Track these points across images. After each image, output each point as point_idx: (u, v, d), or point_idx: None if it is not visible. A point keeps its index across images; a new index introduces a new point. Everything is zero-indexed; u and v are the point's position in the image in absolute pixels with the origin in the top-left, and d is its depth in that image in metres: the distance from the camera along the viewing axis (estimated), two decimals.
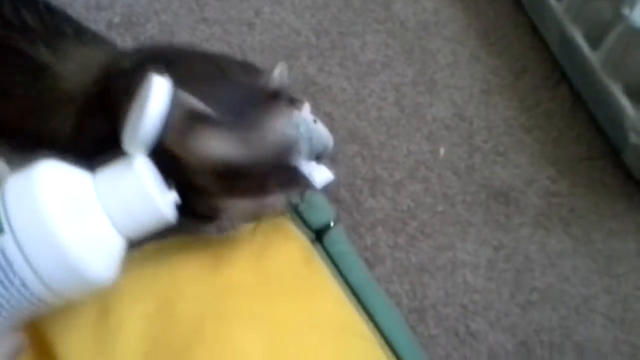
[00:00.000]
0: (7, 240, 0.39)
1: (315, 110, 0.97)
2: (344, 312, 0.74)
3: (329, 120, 0.97)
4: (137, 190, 0.44)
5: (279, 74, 0.71)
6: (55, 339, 0.64)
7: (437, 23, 1.13)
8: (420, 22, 1.12)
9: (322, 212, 0.86)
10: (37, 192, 0.40)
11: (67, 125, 0.72)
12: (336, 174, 0.89)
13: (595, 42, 0.96)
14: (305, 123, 0.88)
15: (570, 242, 0.92)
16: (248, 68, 0.77)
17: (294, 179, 0.70)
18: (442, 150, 0.98)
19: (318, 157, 0.91)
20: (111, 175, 0.45)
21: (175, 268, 0.75)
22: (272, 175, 0.66)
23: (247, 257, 0.77)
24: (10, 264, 0.38)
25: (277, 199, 0.70)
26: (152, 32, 1.07)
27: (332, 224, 0.81)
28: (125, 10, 1.09)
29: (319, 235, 0.80)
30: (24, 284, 0.39)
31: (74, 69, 0.72)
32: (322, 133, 0.90)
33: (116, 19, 1.05)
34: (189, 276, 0.74)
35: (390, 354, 0.72)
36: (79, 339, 0.65)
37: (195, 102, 0.55)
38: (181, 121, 0.54)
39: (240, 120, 0.61)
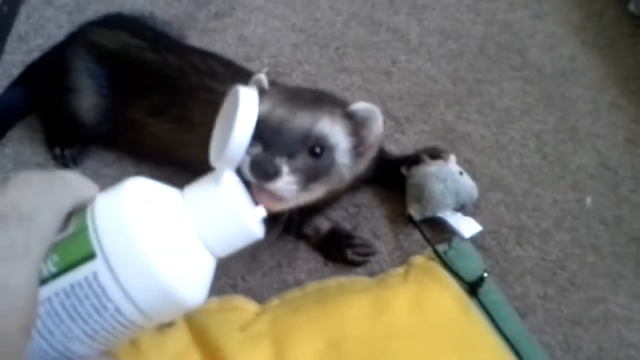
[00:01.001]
0: (100, 265, 0.37)
1: (456, 157, 1.00)
2: None
3: (470, 167, 0.99)
4: (226, 208, 0.42)
5: (257, 79, 0.76)
6: None
7: (574, 70, 1.13)
8: (558, 69, 1.13)
9: (471, 260, 0.88)
10: (127, 213, 0.38)
11: None
12: (480, 222, 0.92)
13: None
14: (452, 176, 0.91)
15: None
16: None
17: None
18: (588, 200, 0.97)
19: (462, 207, 0.93)
20: (200, 192, 0.43)
21: (339, 309, 0.79)
22: None
23: (405, 303, 0.80)
24: (104, 290, 0.37)
25: None
26: (297, 82, 1.14)
27: (485, 275, 0.83)
28: (272, 60, 1.18)
29: (472, 287, 0.82)
30: (117, 310, 0.38)
31: None
32: (468, 185, 0.92)
33: (264, 69, 1.14)
34: (353, 318, 0.78)
35: None
36: None
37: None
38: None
39: None
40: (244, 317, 0.82)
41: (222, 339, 0.75)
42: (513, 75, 1.13)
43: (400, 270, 0.88)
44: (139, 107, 0.94)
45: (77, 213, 0.40)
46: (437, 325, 0.78)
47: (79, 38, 1.02)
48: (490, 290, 0.84)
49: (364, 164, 0.79)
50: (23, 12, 1.30)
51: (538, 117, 1.07)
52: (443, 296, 0.81)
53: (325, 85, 1.14)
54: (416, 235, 0.93)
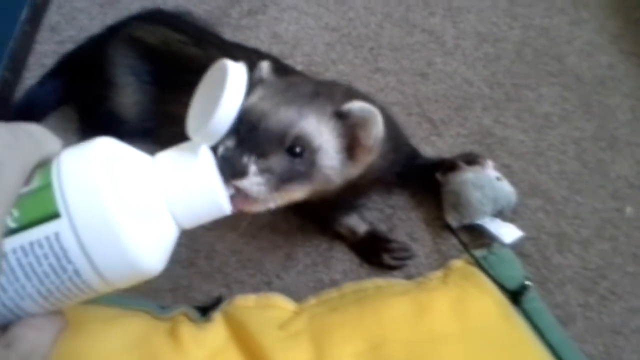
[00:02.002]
0: (64, 226, 0.36)
1: (493, 161, 0.99)
2: None
3: (508, 173, 0.99)
4: (199, 180, 0.41)
5: (263, 67, 0.75)
6: None
7: (613, 78, 1.13)
8: (596, 77, 1.13)
9: (512, 266, 0.87)
10: (96, 175, 0.37)
11: None
12: (520, 228, 0.92)
13: None
14: (489, 182, 0.90)
15: None
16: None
17: None
18: (628, 209, 0.97)
19: (500, 212, 0.93)
20: (173, 161, 0.42)
21: (378, 311, 0.79)
22: None
23: (445, 307, 0.80)
24: (65, 251, 0.36)
25: None
26: None
27: (527, 283, 0.82)
28: (305, 59, 1.18)
29: (515, 295, 0.81)
30: (76, 272, 0.37)
31: None
32: (506, 190, 0.92)
33: (298, 67, 1.14)
34: (394, 320, 0.77)
35: None
36: None
37: None
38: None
39: None
40: (281, 315, 0.82)
41: (261, 336, 0.75)
42: (551, 81, 1.13)
43: (439, 273, 0.88)
44: (182, 102, 0.94)
45: (41, 167, 0.38)
46: (479, 331, 0.77)
47: (120, 33, 1.03)
48: (532, 297, 0.83)
49: (359, 168, 0.74)
50: (54, 2, 1.31)
51: (577, 124, 1.07)
52: (484, 301, 0.81)
53: (359, 85, 1.13)
54: (454, 238, 0.93)
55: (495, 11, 1.25)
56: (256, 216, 0.91)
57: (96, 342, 0.71)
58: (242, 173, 0.63)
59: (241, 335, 0.77)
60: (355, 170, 0.74)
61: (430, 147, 1.04)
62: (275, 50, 1.19)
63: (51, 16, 1.28)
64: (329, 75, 1.15)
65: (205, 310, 0.83)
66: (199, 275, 0.92)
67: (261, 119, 0.67)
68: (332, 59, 1.19)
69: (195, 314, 0.81)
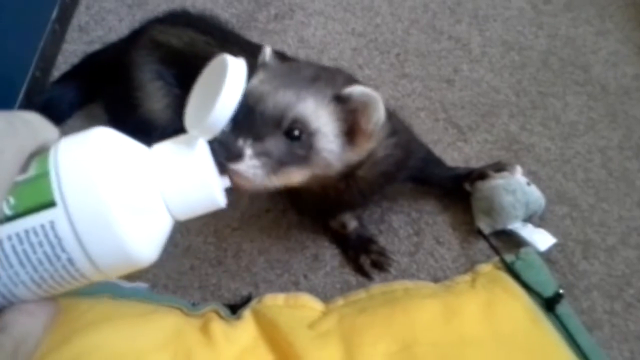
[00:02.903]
0: (59, 215, 0.36)
1: (520, 168, 1.01)
2: None
3: (534, 179, 1.01)
4: (196, 173, 0.42)
5: (266, 52, 0.75)
6: None
7: (638, 89, 1.15)
8: (622, 87, 1.15)
9: (540, 272, 0.89)
10: (93, 164, 0.37)
11: None
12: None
13: None
14: (521, 187, 0.92)
15: None
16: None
17: None
18: None
19: (531, 217, 0.94)
20: (169, 153, 0.43)
21: (409, 313, 0.80)
22: None
23: (475, 311, 0.81)
24: (59, 240, 0.37)
25: None
26: None
27: (560, 291, 0.84)
28: (332, 63, 1.20)
29: (549, 302, 0.83)
30: (70, 261, 0.37)
31: None
32: (536, 195, 0.93)
33: None
34: (424, 322, 0.79)
35: None
36: None
37: None
38: None
39: None
40: (310, 315, 0.84)
41: (292, 334, 0.77)
42: (577, 90, 1.14)
43: (467, 277, 0.89)
44: None
45: (38, 155, 0.39)
46: (509, 335, 0.79)
47: (143, 37, 1.04)
48: (562, 303, 0.84)
49: (359, 153, 0.73)
50: (83, 2, 1.34)
51: (602, 133, 1.08)
52: (513, 306, 0.83)
53: (386, 90, 1.16)
54: (480, 243, 0.95)
55: (521, 20, 1.27)
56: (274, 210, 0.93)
57: (132, 336, 0.73)
58: (237, 156, 0.63)
59: (271, 334, 0.79)
60: (355, 156, 0.73)
61: (457, 153, 1.06)
62: (302, 55, 1.22)
63: (80, 16, 1.31)
64: None
65: (234, 308, 0.85)
66: (227, 274, 0.94)
67: (258, 101, 0.66)
68: (358, 63, 1.21)
69: (225, 311, 0.83)
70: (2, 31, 1.06)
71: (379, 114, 0.69)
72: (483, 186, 0.94)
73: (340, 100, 0.69)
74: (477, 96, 1.15)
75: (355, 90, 0.69)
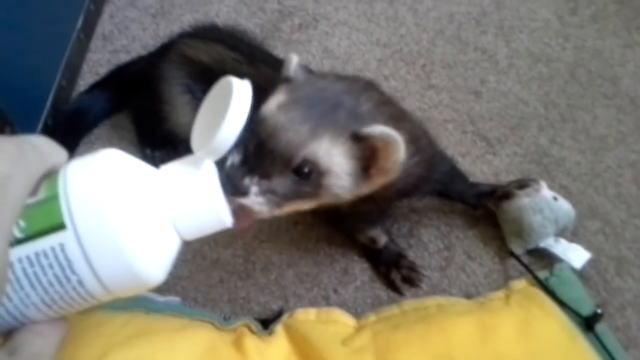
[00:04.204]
0: (69, 237, 0.37)
1: (551, 182, 1.01)
2: None
3: (566, 194, 1.00)
4: (203, 194, 0.43)
5: (292, 61, 0.72)
6: None
7: None
8: None
9: (574, 288, 0.88)
10: (102, 187, 0.38)
11: None
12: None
13: None
14: (547, 204, 0.91)
15: None
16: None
17: None
18: None
19: (563, 231, 0.94)
20: (177, 174, 0.43)
21: (444, 331, 0.80)
22: None
23: (511, 329, 0.80)
24: (69, 262, 0.37)
25: None
26: None
27: (599, 311, 0.83)
28: (357, 74, 1.20)
29: (588, 321, 0.82)
30: (80, 283, 0.38)
31: None
32: (565, 208, 0.92)
33: None
34: (460, 341, 0.78)
35: None
36: None
37: None
38: None
39: None
40: (342, 330, 0.83)
41: (326, 351, 0.77)
42: (606, 103, 1.14)
43: (500, 294, 0.89)
44: None
45: (48, 178, 0.39)
46: (545, 353, 0.78)
47: (173, 52, 1.04)
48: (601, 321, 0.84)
49: (372, 187, 0.72)
50: (107, 11, 1.35)
51: (633, 147, 1.08)
52: (549, 323, 0.82)
53: (412, 102, 1.16)
54: (513, 259, 0.94)
55: (547, 32, 1.27)
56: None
57: (169, 352, 0.73)
58: (243, 193, 0.63)
59: (304, 349, 0.79)
60: (367, 189, 0.72)
61: (487, 166, 1.06)
62: (327, 65, 1.22)
63: (104, 25, 1.32)
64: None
65: (265, 323, 0.85)
66: (256, 287, 0.94)
67: (271, 135, 0.65)
68: (384, 74, 1.21)
69: (257, 325, 0.82)
70: (29, 41, 1.06)
71: (399, 155, 0.67)
72: (509, 207, 0.92)
73: (358, 138, 0.67)
74: (505, 108, 1.14)
75: (375, 130, 0.66)
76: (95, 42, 1.29)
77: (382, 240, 0.95)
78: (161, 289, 0.91)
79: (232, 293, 0.94)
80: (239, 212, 0.63)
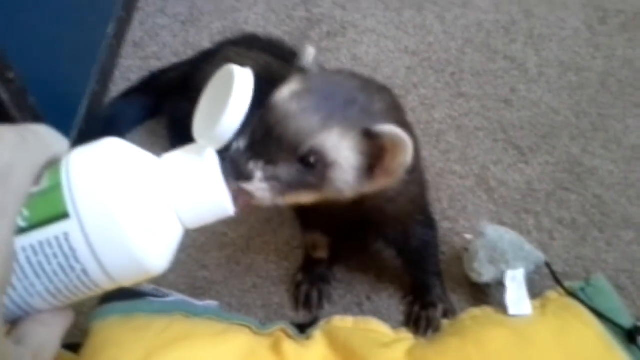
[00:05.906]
0: (73, 227, 0.37)
1: (584, 191, 1.02)
2: None
3: (598, 203, 1.01)
4: (205, 182, 0.43)
5: (308, 56, 0.71)
6: None
7: None
8: None
9: (609, 298, 0.88)
10: (105, 176, 0.38)
11: None
12: (613, 259, 0.93)
13: None
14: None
15: None
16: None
17: None
18: None
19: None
20: (179, 162, 0.43)
21: (480, 342, 0.80)
22: None
23: (548, 339, 0.81)
24: (73, 251, 0.38)
25: None
26: (413, 105, 1.17)
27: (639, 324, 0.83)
28: (387, 82, 1.20)
29: (630, 334, 0.82)
30: (84, 271, 0.38)
31: None
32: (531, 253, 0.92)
33: None
34: (497, 352, 0.79)
35: None
36: None
37: None
38: None
39: None
40: (380, 339, 0.84)
41: (370, 356, 0.78)
42: (637, 113, 1.15)
43: (536, 304, 0.89)
44: None
45: (51, 167, 0.39)
46: None
47: (219, 57, 1.05)
48: None
49: (374, 187, 0.70)
50: (137, 18, 1.37)
51: None
52: (586, 333, 0.82)
53: (442, 109, 1.17)
54: (545, 267, 0.95)
55: (577, 40, 1.28)
56: None
57: (208, 355, 0.74)
58: (247, 177, 0.63)
59: (345, 354, 0.80)
60: (369, 189, 0.71)
61: (519, 175, 1.06)
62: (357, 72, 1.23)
63: (134, 32, 1.34)
64: (411, 98, 1.19)
65: (302, 328, 0.86)
66: (289, 293, 0.95)
67: (280, 122, 0.64)
68: (413, 82, 1.22)
69: (294, 330, 0.83)
70: (63, 47, 1.08)
71: (406, 157, 0.66)
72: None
73: (368, 134, 0.66)
74: (536, 117, 1.15)
75: (386, 129, 0.65)
76: (126, 49, 1.31)
77: (322, 254, 0.94)
78: (196, 294, 0.92)
79: (266, 298, 0.95)
80: (237, 195, 0.62)
